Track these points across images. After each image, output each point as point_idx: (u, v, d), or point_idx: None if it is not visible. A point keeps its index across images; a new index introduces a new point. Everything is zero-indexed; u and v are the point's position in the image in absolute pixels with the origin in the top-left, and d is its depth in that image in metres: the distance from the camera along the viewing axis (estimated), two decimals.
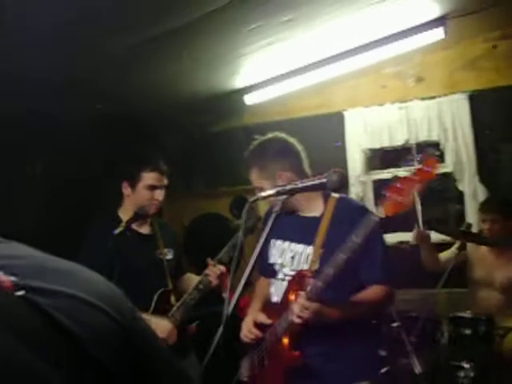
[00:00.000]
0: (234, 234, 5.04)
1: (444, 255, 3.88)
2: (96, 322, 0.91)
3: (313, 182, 1.75)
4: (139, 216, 2.82)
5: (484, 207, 3.82)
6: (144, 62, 3.56)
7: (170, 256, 3.03)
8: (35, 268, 0.93)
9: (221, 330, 1.63)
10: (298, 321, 1.98)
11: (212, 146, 5.47)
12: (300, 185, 1.78)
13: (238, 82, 4.75)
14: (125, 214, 2.89)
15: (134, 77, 3.80)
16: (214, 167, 5.42)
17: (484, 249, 3.74)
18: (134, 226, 2.91)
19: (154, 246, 2.99)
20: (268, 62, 4.41)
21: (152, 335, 1.04)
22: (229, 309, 1.65)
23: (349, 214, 2.20)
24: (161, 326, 2.75)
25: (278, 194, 1.78)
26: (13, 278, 0.88)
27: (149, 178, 2.88)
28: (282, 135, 2.46)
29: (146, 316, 2.66)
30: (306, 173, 2.38)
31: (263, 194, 1.83)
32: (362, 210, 2.19)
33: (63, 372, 0.85)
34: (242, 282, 1.66)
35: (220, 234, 5.16)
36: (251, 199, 1.86)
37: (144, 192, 2.89)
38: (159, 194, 2.91)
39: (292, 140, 2.45)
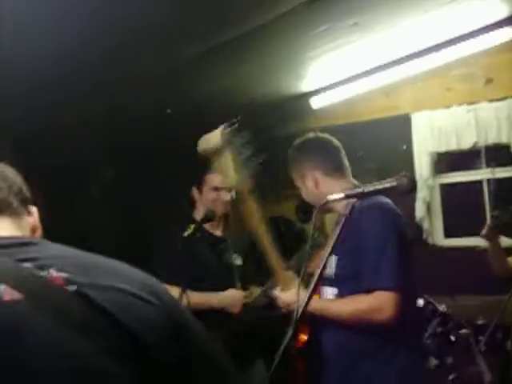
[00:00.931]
0: (298, 237, 5.07)
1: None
2: (142, 310, 0.99)
3: (383, 186, 1.74)
4: (208, 217, 2.88)
5: None
6: (214, 67, 3.62)
7: (239, 262, 3.07)
8: (82, 265, 1.02)
9: (290, 332, 1.63)
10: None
11: (278, 150, 5.48)
12: (370, 189, 1.77)
13: (305, 85, 4.78)
14: (198, 217, 2.95)
15: (205, 81, 3.87)
16: (279, 171, 5.43)
17: None
18: (208, 228, 3.00)
19: (225, 249, 3.04)
20: (334, 65, 4.42)
21: (190, 315, 1.12)
22: (298, 312, 1.65)
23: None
24: (229, 293, 2.87)
25: (347, 197, 1.78)
26: (64, 275, 0.97)
27: (212, 179, 2.96)
28: (322, 135, 2.45)
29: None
30: (342, 171, 2.37)
31: (331, 197, 1.82)
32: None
33: (116, 360, 0.93)
34: (312, 286, 1.67)
35: (286, 237, 5.18)
36: (319, 205, 1.86)
37: (210, 194, 2.98)
38: (225, 195, 2.97)
39: (330, 138, 2.43)
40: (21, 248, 1.03)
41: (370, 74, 4.68)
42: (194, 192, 3.04)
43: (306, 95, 4.96)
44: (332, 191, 2.11)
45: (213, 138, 1.74)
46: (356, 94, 4.98)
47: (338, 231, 1.71)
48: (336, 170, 2.35)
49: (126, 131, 4.01)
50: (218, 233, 3.10)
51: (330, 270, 2.17)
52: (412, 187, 1.68)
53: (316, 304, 2.06)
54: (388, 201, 2.15)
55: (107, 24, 2.48)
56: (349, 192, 1.77)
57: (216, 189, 2.97)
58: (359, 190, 1.75)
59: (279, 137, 5.56)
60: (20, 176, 1.26)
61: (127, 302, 0.99)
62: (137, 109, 3.78)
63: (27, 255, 1.00)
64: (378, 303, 2.00)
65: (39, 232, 1.21)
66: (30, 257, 1.00)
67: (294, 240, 5.13)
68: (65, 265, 1.00)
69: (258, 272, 3.11)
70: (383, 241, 2.06)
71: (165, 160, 4.42)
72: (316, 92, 4.91)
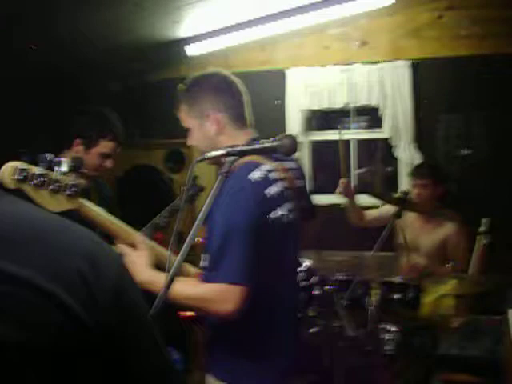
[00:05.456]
0: (166, 188, 4.97)
1: (370, 213, 3.97)
2: (45, 319, 0.74)
3: (264, 146, 1.68)
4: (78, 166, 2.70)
5: (415, 172, 3.89)
6: (84, 5, 3.37)
7: None
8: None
9: (162, 292, 1.56)
10: None
11: (148, 96, 5.31)
12: (250, 147, 1.71)
13: (180, 31, 4.59)
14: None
15: (72, 20, 3.60)
16: (149, 118, 5.27)
17: (412, 214, 3.82)
18: None
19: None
20: (212, 14, 4.27)
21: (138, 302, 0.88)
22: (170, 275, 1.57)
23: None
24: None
25: (228, 155, 1.69)
26: None
27: (106, 146, 2.76)
28: (226, 72, 2.14)
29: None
30: (244, 119, 2.11)
31: (210, 154, 1.73)
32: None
33: None
34: (185, 248, 1.58)
35: (153, 186, 5.05)
36: (197, 159, 1.76)
37: (96, 159, 2.76)
38: (110, 163, 2.81)
39: (235, 79, 2.13)
40: None
41: (250, 25, 4.58)
42: (76, 143, 2.76)
43: (181, 41, 4.78)
44: (234, 141, 1.97)
45: (4, 178, 1.53)
46: (233, 45, 4.87)
47: (214, 191, 1.63)
48: (241, 116, 2.10)
49: None
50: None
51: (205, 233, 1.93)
52: (294, 148, 1.63)
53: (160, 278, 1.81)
54: (253, 176, 1.89)
55: None
56: (229, 149, 1.69)
57: (105, 155, 2.77)
58: (239, 148, 1.68)
59: (150, 82, 5.38)
60: None
61: (27, 306, 0.73)
62: None
63: None
64: (219, 294, 1.79)
65: None
66: None
67: (160, 190, 5.05)
68: None
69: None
70: (240, 226, 1.82)
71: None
72: (191, 39, 4.74)
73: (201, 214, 1.62)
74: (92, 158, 2.76)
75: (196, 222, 1.59)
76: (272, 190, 1.94)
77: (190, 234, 1.58)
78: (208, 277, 1.84)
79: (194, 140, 2.13)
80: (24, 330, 0.72)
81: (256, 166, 1.93)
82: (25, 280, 0.73)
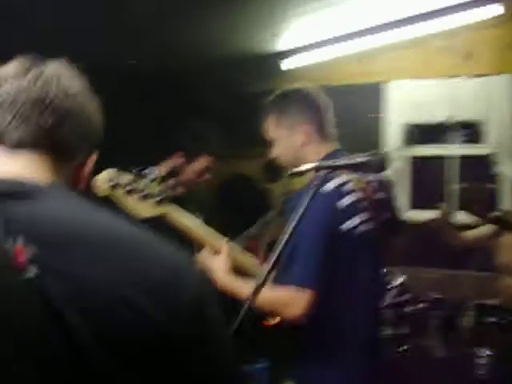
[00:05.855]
0: (261, 198, 5.03)
1: (471, 234, 3.82)
2: (121, 325, 0.73)
3: (354, 161, 1.68)
4: (174, 174, 2.82)
5: None
6: (186, 19, 3.50)
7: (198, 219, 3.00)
8: (65, 236, 0.75)
9: (246, 306, 1.58)
10: None
11: (246, 107, 5.39)
12: (342, 162, 1.71)
13: (277, 45, 4.67)
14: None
15: (176, 35, 3.75)
16: (246, 129, 5.35)
17: None
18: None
19: (185, 207, 2.97)
20: (310, 27, 4.31)
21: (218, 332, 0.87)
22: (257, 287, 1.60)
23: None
24: None
25: (319, 169, 1.71)
26: (32, 251, 0.71)
27: (205, 161, 2.87)
28: (309, 87, 2.20)
29: None
30: (327, 132, 2.14)
31: (302, 167, 1.75)
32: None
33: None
34: (273, 258, 1.60)
35: (247, 197, 5.13)
36: (289, 172, 1.79)
37: (194, 172, 2.87)
38: (208, 176, 2.91)
39: (318, 94, 2.18)
40: (13, 200, 0.78)
41: (347, 39, 4.58)
42: (179, 156, 2.87)
43: (279, 55, 4.85)
44: (318, 152, 2.07)
45: (96, 185, 1.62)
46: (331, 58, 4.88)
47: (305, 203, 1.65)
48: (326, 129, 2.15)
49: None
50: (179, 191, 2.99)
51: None
52: (383, 166, 1.63)
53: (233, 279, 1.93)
54: (335, 191, 1.94)
55: None
56: (321, 163, 1.71)
57: (202, 170, 2.88)
58: (330, 163, 1.69)
59: (246, 94, 5.47)
60: (98, 109, 1.01)
61: (104, 312, 0.73)
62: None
63: (11, 209, 0.76)
64: (288, 298, 1.84)
65: (81, 187, 1.01)
66: (8, 214, 0.75)
67: (255, 200, 5.11)
68: (42, 232, 0.74)
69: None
70: (310, 236, 1.86)
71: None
72: (289, 53, 4.80)
73: (290, 225, 1.64)
74: (191, 172, 2.86)
75: (285, 233, 1.62)
76: (345, 202, 1.95)
77: (279, 245, 1.59)
78: (277, 282, 1.87)
79: (278, 151, 2.17)
80: (109, 336, 0.73)
81: (331, 177, 1.93)
82: (119, 295, 0.74)
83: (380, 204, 2.11)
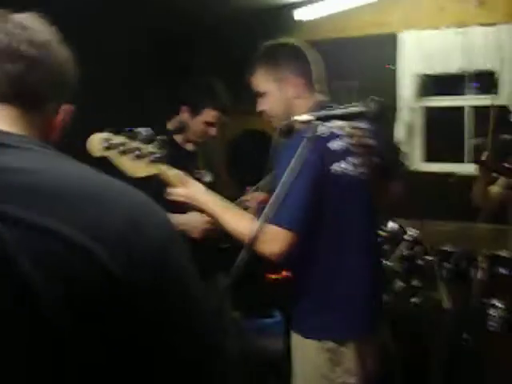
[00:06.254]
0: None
1: (493, 190, 3.72)
2: (75, 272, 0.73)
3: (351, 110, 1.65)
4: (180, 129, 2.82)
5: None
6: None
7: (208, 178, 2.98)
8: (37, 188, 0.77)
9: (243, 253, 1.60)
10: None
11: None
12: (338, 111, 1.69)
13: None
14: (171, 127, 2.91)
15: None
16: None
17: None
18: (179, 141, 2.92)
19: (195, 164, 2.96)
20: None
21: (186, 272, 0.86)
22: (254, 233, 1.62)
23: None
24: (190, 216, 2.63)
25: (317, 119, 1.68)
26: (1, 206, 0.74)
27: (210, 115, 2.85)
28: (296, 41, 2.22)
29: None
30: (316, 86, 2.16)
31: (299, 118, 1.73)
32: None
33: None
34: (270, 203, 1.63)
35: (263, 150, 5.10)
36: (284, 123, 1.78)
37: (201, 126, 2.86)
38: (214, 131, 2.89)
39: (307, 48, 2.19)
40: None
41: None
42: (183, 110, 2.89)
43: (290, 6, 4.76)
44: (307, 105, 2.06)
45: (91, 147, 1.63)
46: (342, 9, 4.77)
47: (299, 152, 1.63)
48: (314, 82, 2.16)
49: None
50: (190, 147, 2.97)
51: None
52: (380, 113, 1.59)
53: (218, 203, 1.96)
54: (326, 134, 1.97)
55: None
56: (315, 114, 1.69)
57: (208, 124, 2.86)
58: (325, 113, 1.67)
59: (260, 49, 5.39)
60: (70, 58, 1.00)
61: (62, 258, 0.74)
62: None
63: None
64: (267, 235, 1.82)
65: (53, 137, 1.00)
66: None
67: (267, 154, 5.07)
68: (14, 187, 0.76)
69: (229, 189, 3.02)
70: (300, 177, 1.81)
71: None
72: (301, 3, 4.70)
73: (285, 174, 1.64)
74: (197, 126, 2.86)
75: (281, 181, 1.65)
76: (336, 144, 1.98)
77: (276, 192, 1.65)
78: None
79: (267, 104, 2.17)
80: (63, 283, 0.73)
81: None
82: (75, 242, 0.74)
83: (371, 150, 2.09)
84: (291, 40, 2.22)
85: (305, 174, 1.82)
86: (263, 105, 2.19)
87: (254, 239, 1.76)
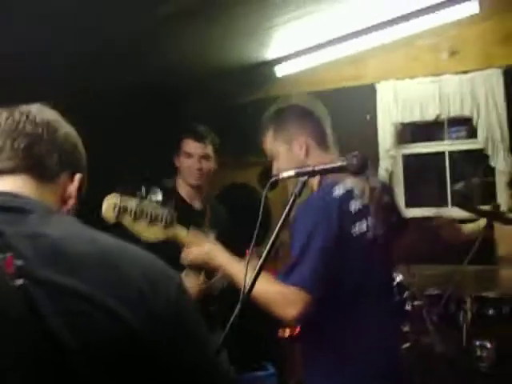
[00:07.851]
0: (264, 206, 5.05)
1: (468, 227, 3.83)
2: (99, 329, 0.81)
3: (332, 165, 1.72)
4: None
5: None
6: (175, 32, 3.56)
7: (212, 236, 2.92)
8: (51, 250, 0.84)
9: (237, 308, 1.62)
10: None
11: (241, 116, 5.45)
12: (320, 167, 1.75)
13: (269, 52, 4.72)
14: (179, 186, 2.84)
15: (166, 46, 3.81)
16: (242, 137, 5.40)
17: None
18: (186, 198, 2.83)
19: (202, 222, 2.88)
20: (299, 33, 4.37)
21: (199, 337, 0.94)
22: (246, 287, 1.64)
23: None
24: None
25: (298, 175, 1.74)
26: (19, 263, 0.79)
27: (186, 144, 2.77)
28: (311, 100, 2.23)
29: None
30: (328, 142, 2.16)
31: (283, 175, 1.79)
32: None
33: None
34: (261, 261, 1.65)
35: (249, 204, 5.16)
36: (271, 180, 1.83)
37: (184, 160, 2.77)
38: (195, 162, 2.75)
39: (313, 106, 2.20)
40: (4, 214, 0.89)
41: (336, 43, 4.63)
42: (175, 159, 2.82)
43: (271, 62, 4.91)
44: (322, 162, 2.04)
45: (105, 215, 1.72)
46: (321, 63, 4.94)
47: (286, 210, 1.69)
48: (325, 139, 2.16)
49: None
50: (197, 204, 2.88)
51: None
52: (363, 167, 1.66)
53: (233, 263, 1.96)
54: (344, 195, 1.96)
55: None
56: (299, 170, 1.75)
57: (188, 155, 2.76)
58: (309, 169, 1.73)
59: (243, 103, 5.52)
60: (75, 135, 1.13)
61: (83, 315, 0.80)
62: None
63: (2, 226, 0.84)
64: (286, 297, 1.82)
65: (70, 205, 1.09)
66: (2, 230, 0.83)
67: (257, 207, 5.13)
68: (30, 247, 0.82)
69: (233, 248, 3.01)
70: (310, 241, 1.86)
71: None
72: (281, 60, 4.86)
73: (275, 232, 1.68)
74: (183, 163, 2.77)
75: (270, 240, 1.65)
76: (354, 206, 1.97)
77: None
78: (280, 279, 1.89)
79: (280, 165, 2.15)
80: (89, 339, 0.81)
81: (339, 182, 1.97)
82: (99, 302, 0.82)
83: (386, 208, 2.11)
84: (298, 102, 2.22)
85: (326, 236, 1.85)
86: (276, 166, 2.18)
87: (272, 302, 1.81)
